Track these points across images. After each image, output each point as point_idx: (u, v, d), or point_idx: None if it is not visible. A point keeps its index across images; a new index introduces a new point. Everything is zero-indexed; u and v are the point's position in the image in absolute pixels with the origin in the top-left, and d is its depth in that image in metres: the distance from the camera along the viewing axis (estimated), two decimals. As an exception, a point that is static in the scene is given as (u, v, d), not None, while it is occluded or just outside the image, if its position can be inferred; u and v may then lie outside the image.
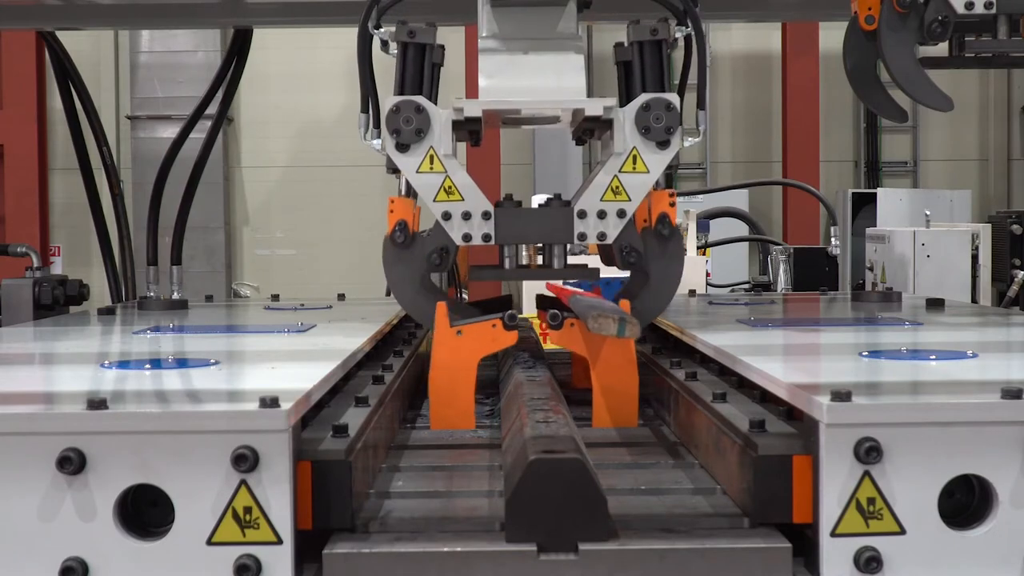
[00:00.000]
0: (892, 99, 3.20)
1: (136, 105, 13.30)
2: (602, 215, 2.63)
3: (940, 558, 1.94)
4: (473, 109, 2.71)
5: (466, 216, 2.65)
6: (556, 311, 3.05)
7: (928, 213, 7.57)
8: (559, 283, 3.80)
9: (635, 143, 2.68)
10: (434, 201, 2.64)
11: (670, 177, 2.79)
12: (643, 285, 2.86)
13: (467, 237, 2.71)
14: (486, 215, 2.63)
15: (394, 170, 2.77)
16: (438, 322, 2.99)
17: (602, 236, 2.68)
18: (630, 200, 2.62)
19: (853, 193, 12.52)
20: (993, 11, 2.84)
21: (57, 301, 5.32)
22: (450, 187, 2.68)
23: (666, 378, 3.00)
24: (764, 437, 2.11)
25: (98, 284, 6.39)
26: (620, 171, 2.64)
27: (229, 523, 1.90)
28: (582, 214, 2.62)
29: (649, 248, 2.75)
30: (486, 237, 2.69)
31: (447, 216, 2.63)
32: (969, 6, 2.86)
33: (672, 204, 2.72)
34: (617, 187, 2.67)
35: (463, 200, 2.63)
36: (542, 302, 3.77)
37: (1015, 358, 2.99)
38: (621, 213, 2.63)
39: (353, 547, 1.95)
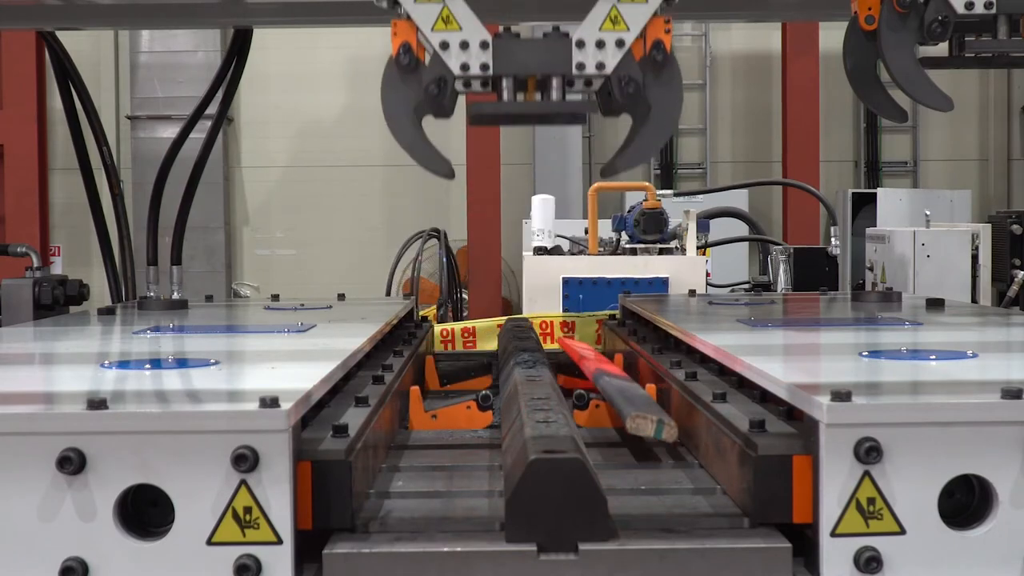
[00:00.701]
0: (892, 99, 3.20)
1: (136, 105, 13.30)
2: (600, 45, 2.62)
3: (940, 558, 1.94)
4: None
5: (464, 45, 2.65)
6: (583, 392, 3.08)
7: (928, 213, 7.56)
8: (574, 347, 3.79)
9: None
10: (432, 31, 2.63)
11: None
12: (644, 120, 2.87)
13: (465, 67, 2.71)
14: (484, 44, 2.63)
15: (393, 2, 2.74)
16: (412, 407, 3.02)
17: (600, 66, 2.67)
18: (628, 29, 2.61)
19: (853, 193, 12.51)
20: (993, 11, 2.84)
21: (57, 301, 5.31)
22: (448, 16, 2.67)
23: (666, 378, 3.00)
24: (764, 437, 2.11)
25: (98, 284, 6.39)
26: (618, 0, 2.64)
27: (229, 523, 1.90)
28: (580, 43, 2.62)
29: (645, 76, 2.74)
30: (484, 66, 2.68)
31: (445, 46, 2.63)
32: (969, 6, 2.85)
33: (667, 31, 2.71)
34: (615, 16, 2.66)
35: (461, 29, 2.63)
36: (565, 369, 3.77)
37: (1015, 358, 2.99)
38: (620, 43, 2.61)
39: (353, 547, 1.95)
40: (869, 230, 7.99)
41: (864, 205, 12.13)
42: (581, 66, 2.65)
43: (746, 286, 9.34)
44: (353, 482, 2.03)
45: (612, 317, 4.60)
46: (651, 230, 6.90)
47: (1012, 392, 1.96)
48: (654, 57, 2.69)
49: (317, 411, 2.40)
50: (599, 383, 3.01)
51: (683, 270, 6.62)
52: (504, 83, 2.76)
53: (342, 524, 2.01)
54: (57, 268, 12.91)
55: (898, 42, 2.88)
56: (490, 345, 4.95)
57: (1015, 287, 7.53)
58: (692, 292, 5.09)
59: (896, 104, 3.17)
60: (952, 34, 2.97)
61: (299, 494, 1.97)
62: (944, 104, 3.08)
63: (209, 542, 1.91)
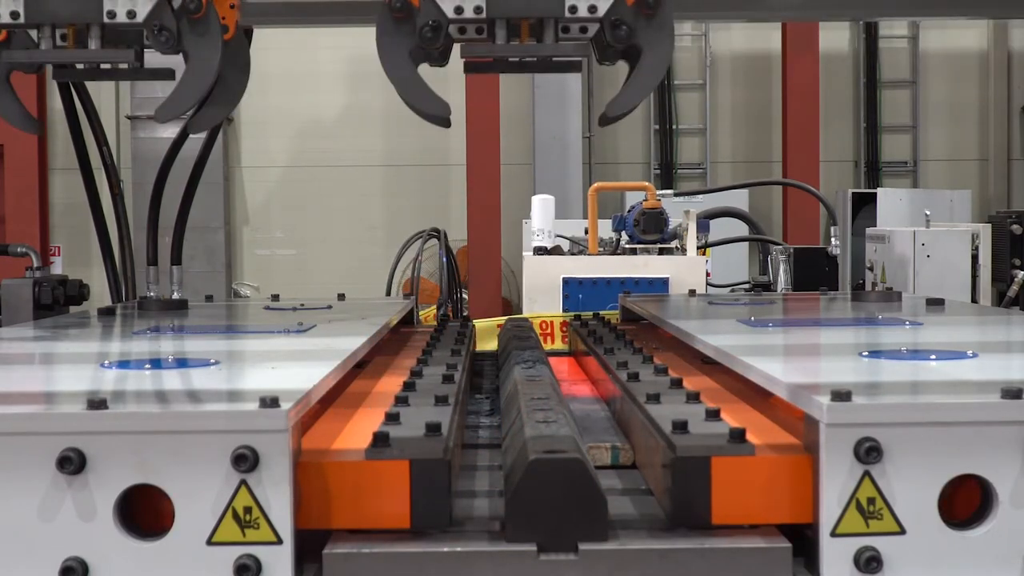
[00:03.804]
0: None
1: (136, 105, 13.29)
2: None
3: (940, 558, 1.94)
4: None
5: None
6: None
7: (928, 213, 7.57)
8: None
9: None
10: None
11: None
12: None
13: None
14: None
15: None
16: None
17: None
18: None
19: (853, 193, 12.50)
20: (483, 15, 2.82)
21: (57, 301, 5.32)
22: None
23: (612, 379, 2.98)
24: (685, 438, 2.09)
25: (98, 284, 6.39)
26: None
27: (229, 523, 1.90)
28: None
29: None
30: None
31: None
32: (459, 11, 2.84)
33: None
34: None
35: None
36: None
37: (1015, 358, 2.99)
38: None
39: (353, 547, 1.95)
40: (869, 230, 8.00)
41: (864, 205, 12.12)
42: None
43: (746, 286, 9.35)
44: (451, 481, 2.01)
45: (577, 318, 4.58)
46: (651, 230, 6.90)
47: (1012, 392, 1.96)
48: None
49: (399, 407, 2.38)
50: None
51: (683, 270, 6.62)
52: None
53: (440, 524, 1.98)
54: (57, 268, 12.91)
55: (393, 46, 2.89)
56: (490, 345, 4.95)
57: (1015, 287, 7.53)
58: (692, 292, 5.09)
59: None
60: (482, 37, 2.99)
61: (396, 494, 1.95)
62: (441, 109, 3.07)
63: (209, 542, 1.91)
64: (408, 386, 2.67)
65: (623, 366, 2.96)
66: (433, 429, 2.12)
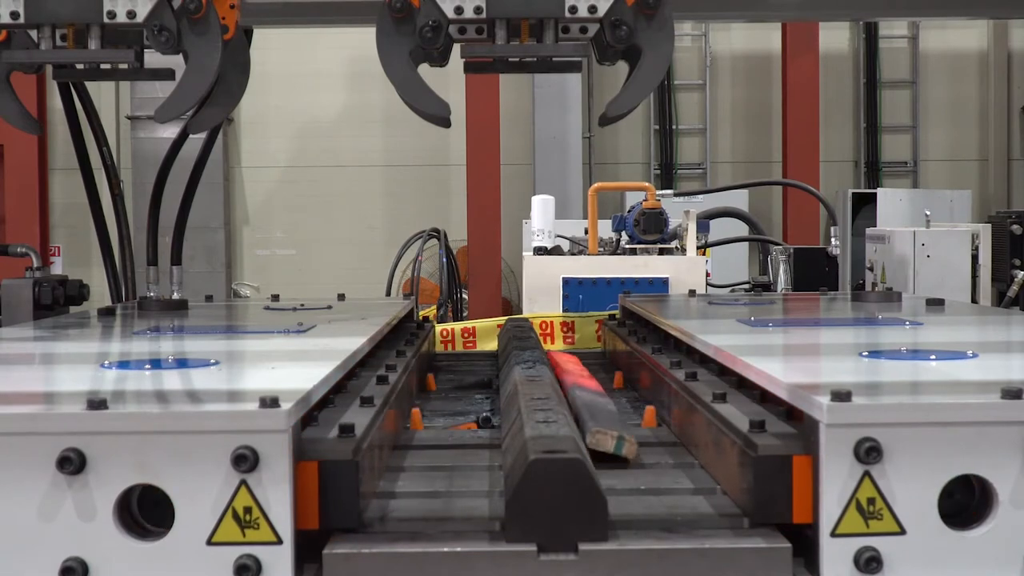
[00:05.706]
0: None
1: (136, 105, 13.29)
2: None
3: (940, 558, 1.94)
4: None
5: None
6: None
7: (928, 213, 7.57)
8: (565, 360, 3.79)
9: None
10: None
11: None
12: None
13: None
14: None
15: None
16: (413, 427, 2.99)
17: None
18: None
19: (853, 193, 12.52)
20: (483, 16, 2.83)
21: (57, 301, 5.32)
22: None
23: (665, 378, 3.00)
24: (764, 437, 2.11)
25: (98, 284, 6.39)
26: None
27: (229, 523, 1.90)
28: None
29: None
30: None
31: None
32: (459, 11, 2.85)
33: None
34: None
35: None
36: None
37: (1015, 358, 2.99)
38: None
39: (353, 547, 1.95)
40: (869, 230, 8.00)
41: (864, 205, 12.13)
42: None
43: (746, 286, 9.34)
44: (360, 482, 2.02)
45: (612, 317, 4.60)
46: (651, 230, 6.90)
47: (1012, 392, 1.96)
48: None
49: (320, 410, 2.40)
50: (571, 396, 3.03)
51: (683, 270, 6.62)
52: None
53: (349, 524, 2.00)
54: (57, 268, 12.91)
55: (393, 47, 2.88)
56: (490, 345, 4.95)
57: (1015, 287, 7.53)
58: (692, 292, 5.09)
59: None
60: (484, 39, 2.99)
61: (305, 494, 1.97)
62: (440, 109, 3.09)
63: (209, 542, 1.91)
64: (338, 387, 2.67)
65: (677, 365, 2.98)
66: (346, 430, 2.13)
